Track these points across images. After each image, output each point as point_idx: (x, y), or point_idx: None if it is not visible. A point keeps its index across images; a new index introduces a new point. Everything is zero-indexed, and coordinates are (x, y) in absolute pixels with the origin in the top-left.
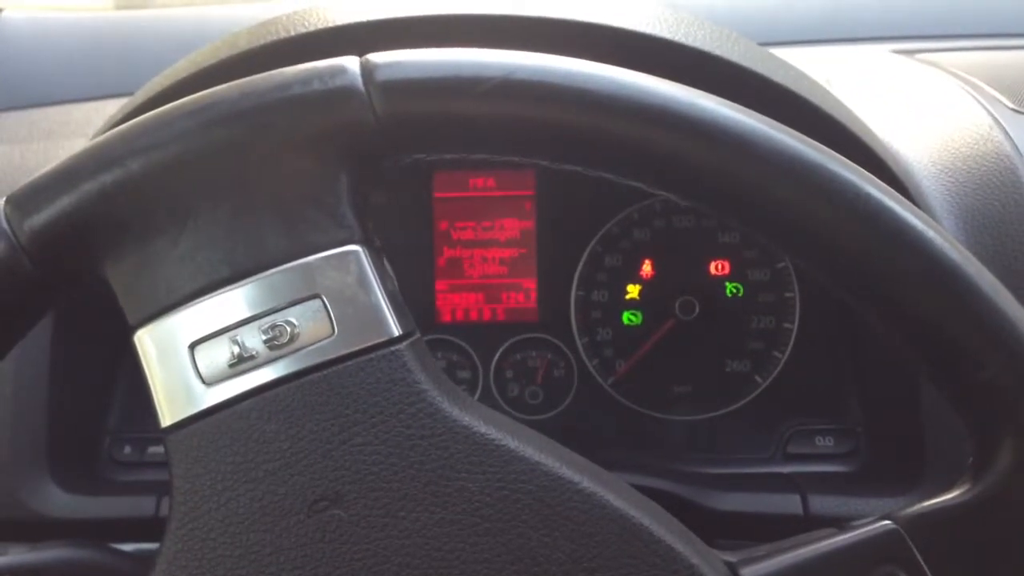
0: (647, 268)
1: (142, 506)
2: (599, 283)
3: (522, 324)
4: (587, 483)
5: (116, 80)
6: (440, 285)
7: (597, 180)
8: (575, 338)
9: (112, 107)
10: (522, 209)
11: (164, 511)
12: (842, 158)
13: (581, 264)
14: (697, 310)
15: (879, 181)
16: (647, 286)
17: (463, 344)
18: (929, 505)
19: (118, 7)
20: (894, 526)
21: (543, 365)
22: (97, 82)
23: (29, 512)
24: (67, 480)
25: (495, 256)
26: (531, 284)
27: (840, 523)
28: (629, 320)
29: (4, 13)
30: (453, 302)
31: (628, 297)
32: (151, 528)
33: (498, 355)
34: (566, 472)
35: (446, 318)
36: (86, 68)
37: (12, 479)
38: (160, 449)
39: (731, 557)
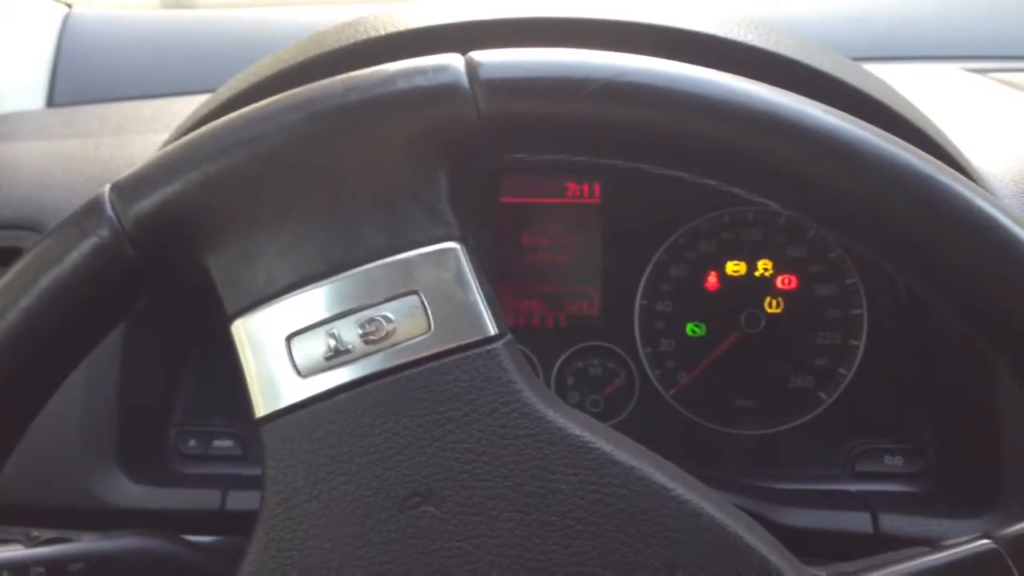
0: (713, 280)
1: (207, 499)
2: (664, 293)
3: (585, 332)
4: (681, 490)
5: (182, 78)
6: (503, 290)
7: (665, 190)
8: (638, 348)
9: (180, 104)
10: (588, 217)
11: (230, 505)
12: (952, 171)
13: (646, 274)
14: (763, 323)
15: (986, 192)
16: (712, 298)
17: (525, 350)
18: None
19: (164, 5)
20: (994, 546)
21: (605, 374)
22: (163, 79)
23: (97, 501)
24: (135, 470)
25: (560, 263)
26: (595, 292)
27: (931, 543)
28: (693, 331)
29: (73, 10)
30: (516, 308)
31: (693, 308)
32: (216, 521)
33: (560, 362)
34: (660, 478)
35: (509, 323)
36: (152, 65)
37: (82, 468)
38: (224, 443)
39: (821, 572)
